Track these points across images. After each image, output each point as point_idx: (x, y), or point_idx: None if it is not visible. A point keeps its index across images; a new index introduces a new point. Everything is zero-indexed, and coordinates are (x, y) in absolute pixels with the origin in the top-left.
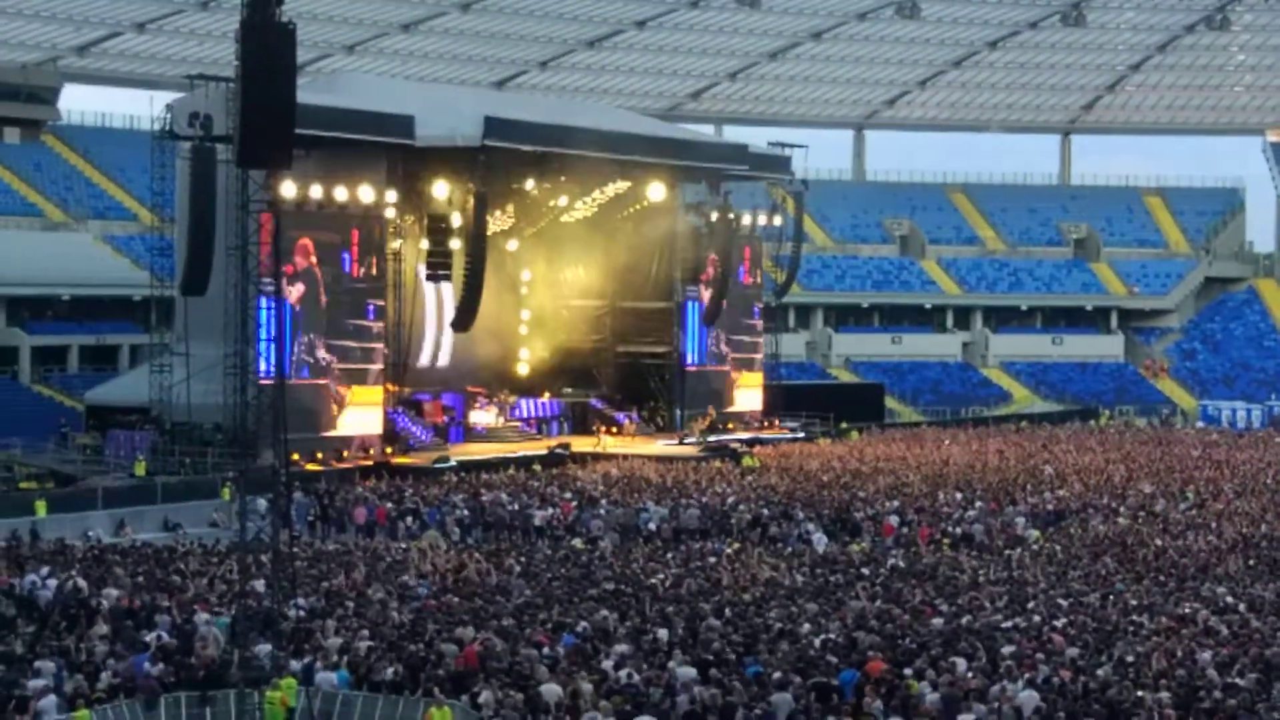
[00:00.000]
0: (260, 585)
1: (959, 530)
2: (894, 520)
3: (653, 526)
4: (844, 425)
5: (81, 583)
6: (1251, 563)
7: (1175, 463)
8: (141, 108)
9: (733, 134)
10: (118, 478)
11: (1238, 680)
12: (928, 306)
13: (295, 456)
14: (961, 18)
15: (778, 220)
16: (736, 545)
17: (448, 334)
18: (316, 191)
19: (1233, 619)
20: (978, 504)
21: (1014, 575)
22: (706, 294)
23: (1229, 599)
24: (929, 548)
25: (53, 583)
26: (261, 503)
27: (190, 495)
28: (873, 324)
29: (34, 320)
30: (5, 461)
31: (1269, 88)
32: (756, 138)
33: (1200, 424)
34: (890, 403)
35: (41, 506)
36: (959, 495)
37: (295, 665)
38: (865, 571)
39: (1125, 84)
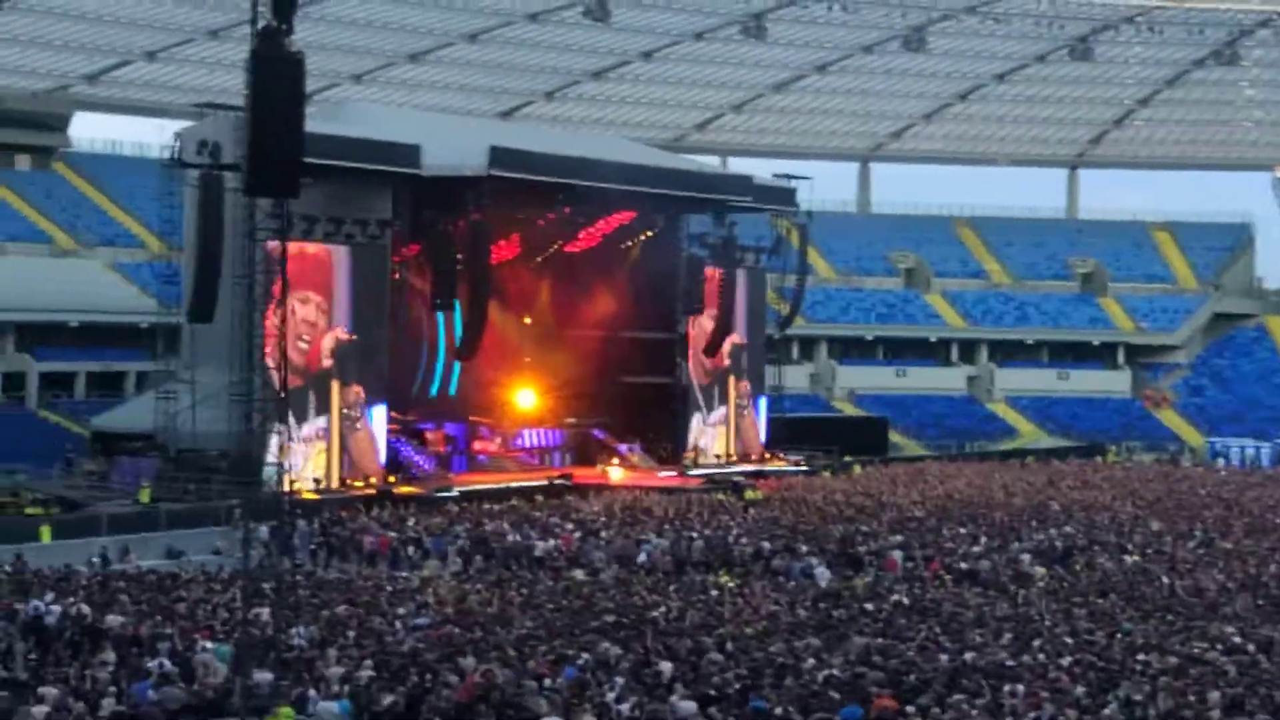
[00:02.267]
0: (264, 613)
1: (964, 566)
2: (898, 555)
3: (655, 559)
4: (848, 459)
5: (86, 609)
6: (1261, 602)
7: (1183, 500)
8: (151, 136)
9: (738, 165)
10: (123, 504)
11: None
12: (933, 340)
13: (297, 484)
14: (968, 51)
15: (782, 252)
16: (727, 580)
17: (452, 362)
18: (323, 219)
19: (1242, 659)
20: (983, 540)
21: (1020, 612)
22: (709, 325)
23: (1237, 639)
24: (934, 583)
25: (57, 608)
26: (265, 530)
27: (194, 522)
28: (877, 357)
29: (42, 346)
30: (11, 487)
31: (1279, 124)
32: (762, 169)
33: (1209, 461)
34: (895, 436)
35: (46, 532)
36: (964, 530)
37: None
38: (869, 607)
39: (1134, 118)
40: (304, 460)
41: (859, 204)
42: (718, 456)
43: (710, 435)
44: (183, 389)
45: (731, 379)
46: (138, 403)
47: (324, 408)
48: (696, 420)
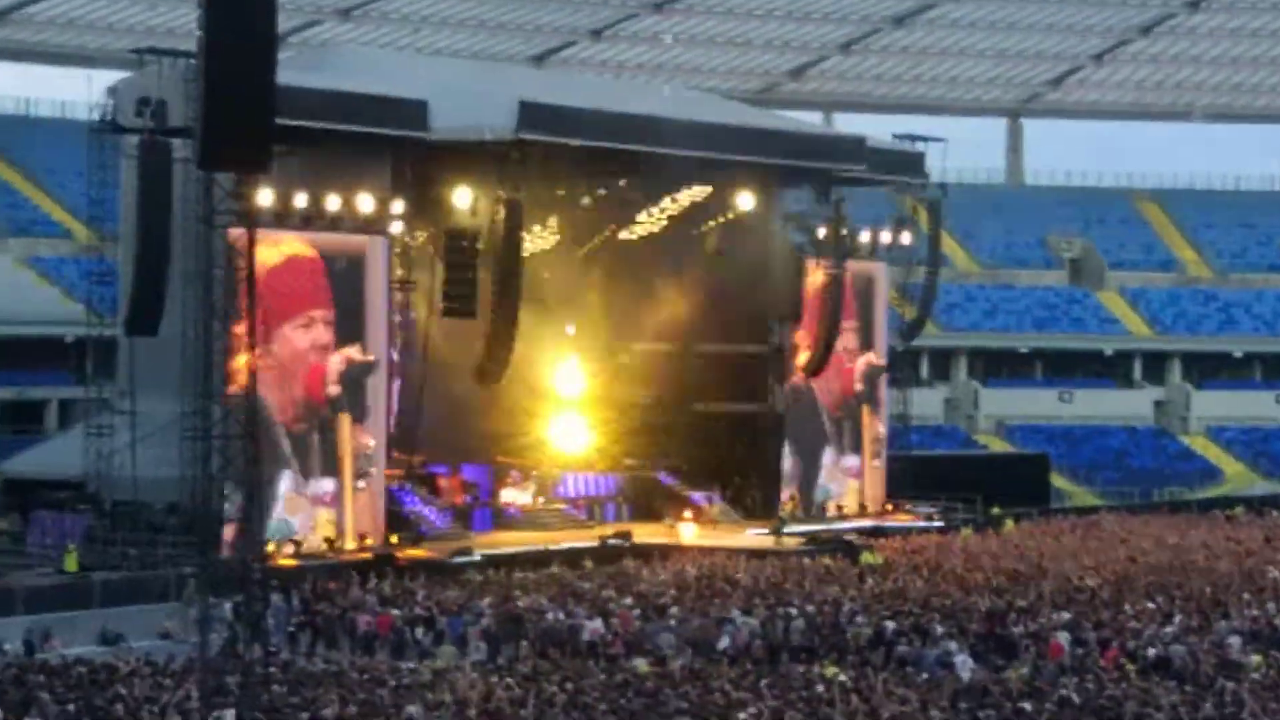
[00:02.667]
0: (228, 717)
1: (1152, 653)
2: (1064, 638)
3: (741, 643)
4: (996, 511)
5: None
6: None
7: None
8: (75, 91)
9: (846, 123)
10: (42, 574)
11: None
12: (1108, 353)
13: (271, 547)
14: None
15: (906, 238)
16: (837, 672)
17: (470, 388)
18: (302, 200)
19: None
20: (1177, 618)
21: (1227, 715)
22: (811, 335)
23: None
24: (1112, 675)
25: None
26: (227, 608)
27: (136, 597)
28: (1034, 376)
29: None
30: None
31: None
32: (878, 129)
33: None
34: (1058, 480)
35: None
36: (1151, 605)
37: None
38: (1026, 707)
39: None
40: (311, 522)
41: (1008, 174)
42: (825, 508)
43: (839, 481)
44: (120, 423)
45: (866, 409)
46: (61, 441)
47: (330, 458)
48: (828, 456)
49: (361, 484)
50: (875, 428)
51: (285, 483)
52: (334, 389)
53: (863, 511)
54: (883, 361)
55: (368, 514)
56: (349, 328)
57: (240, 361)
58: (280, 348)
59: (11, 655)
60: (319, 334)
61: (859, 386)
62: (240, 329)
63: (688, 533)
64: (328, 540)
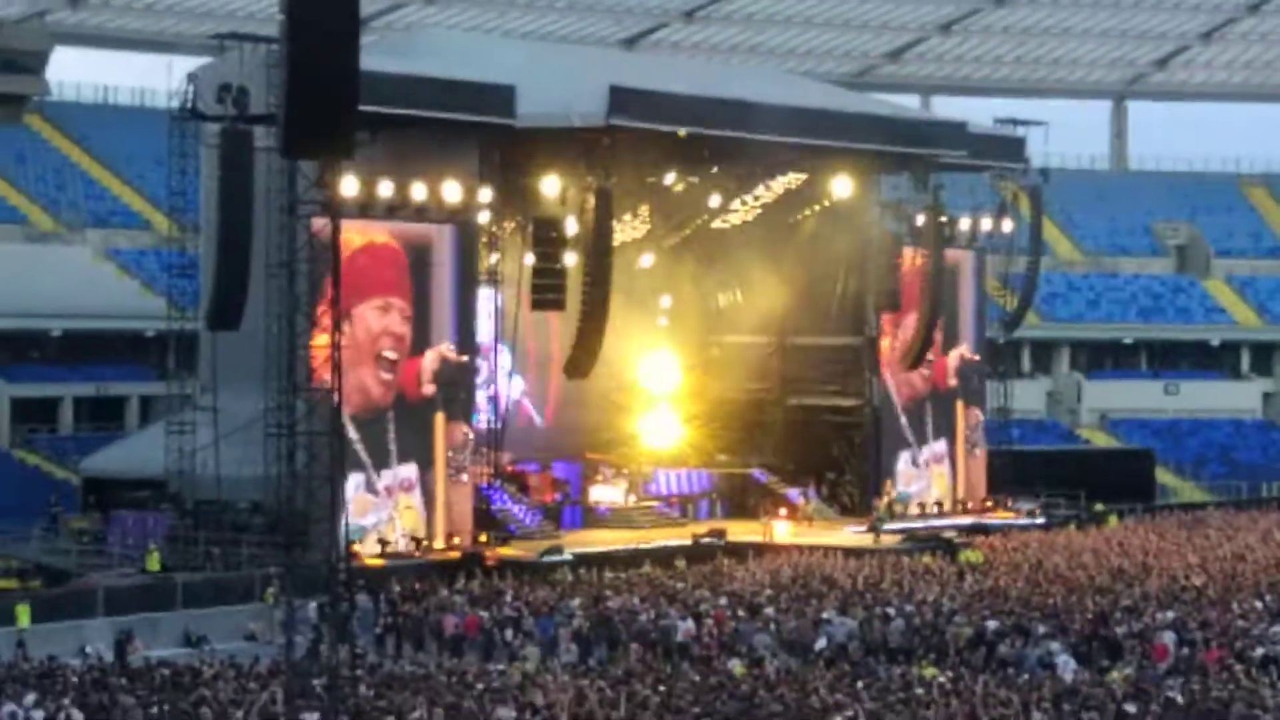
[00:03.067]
0: None
1: (1260, 652)
2: (1169, 638)
3: (838, 644)
4: (1100, 507)
5: (77, 715)
6: None
7: None
8: (155, 78)
9: (945, 107)
10: (124, 574)
11: None
12: (1215, 343)
13: (357, 547)
14: None
15: (1007, 225)
16: (936, 673)
17: (560, 381)
18: (387, 189)
19: None
20: None
21: None
22: (910, 326)
23: None
24: (1219, 676)
25: (40, 715)
26: (313, 609)
27: (219, 599)
28: (1138, 367)
29: (16, 364)
30: None
31: None
32: (978, 113)
33: None
34: (1163, 476)
35: (24, 613)
36: (1260, 604)
37: None
38: (1130, 709)
39: None
40: (388, 519)
41: (1113, 158)
42: (922, 506)
43: (923, 480)
44: (202, 419)
45: (960, 404)
46: (142, 438)
47: (412, 451)
48: (904, 459)
49: (458, 478)
50: (970, 422)
51: (352, 483)
52: (429, 388)
53: (958, 508)
54: (973, 354)
55: (457, 513)
56: (435, 323)
57: (320, 349)
58: (354, 327)
59: (95, 658)
60: (394, 321)
61: (952, 381)
62: (323, 318)
63: (781, 531)
64: (415, 540)
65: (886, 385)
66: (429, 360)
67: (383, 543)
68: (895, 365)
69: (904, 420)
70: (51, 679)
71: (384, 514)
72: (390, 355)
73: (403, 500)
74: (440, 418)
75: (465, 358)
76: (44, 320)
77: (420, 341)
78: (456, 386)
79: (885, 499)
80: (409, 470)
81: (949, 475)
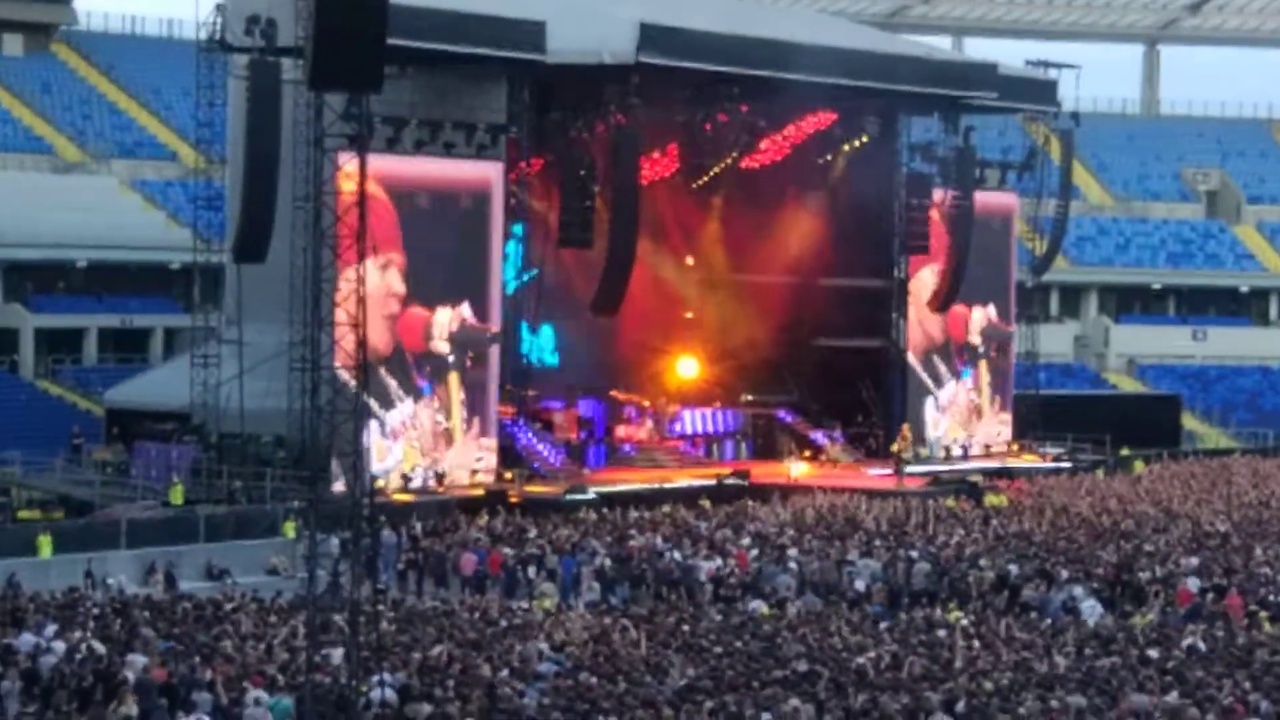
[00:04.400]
0: (335, 655)
1: None
2: (1193, 584)
3: (861, 586)
4: (1125, 452)
5: (99, 647)
6: None
7: None
8: (183, 8)
9: (976, 49)
10: (147, 507)
11: None
12: (1244, 290)
13: (381, 483)
14: None
15: (1037, 168)
16: (959, 616)
17: (586, 319)
18: (415, 124)
19: None
20: None
21: None
22: (937, 268)
23: None
24: (1242, 623)
25: (61, 645)
26: (335, 543)
27: (242, 532)
28: (1167, 313)
29: (39, 294)
30: (0, 482)
31: None
32: (1009, 54)
33: None
34: (1190, 422)
35: (46, 544)
36: None
37: None
38: (1153, 654)
39: None
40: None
41: (1144, 103)
42: (947, 448)
43: (942, 422)
44: (227, 352)
45: (983, 362)
46: (166, 371)
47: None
48: (930, 404)
49: (470, 426)
50: (989, 361)
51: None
52: (442, 345)
53: (987, 452)
54: (1008, 327)
55: (477, 451)
56: (450, 265)
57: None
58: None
59: (116, 590)
60: (393, 279)
61: (974, 339)
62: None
63: (796, 470)
64: (438, 476)
65: (913, 328)
66: (444, 318)
67: (405, 478)
68: (921, 308)
69: (933, 362)
70: (73, 610)
71: (398, 455)
72: (391, 311)
73: (405, 437)
74: (455, 376)
75: (495, 328)
76: (69, 251)
77: (426, 290)
78: (472, 347)
79: (901, 441)
80: (410, 409)
81: (970, 420)
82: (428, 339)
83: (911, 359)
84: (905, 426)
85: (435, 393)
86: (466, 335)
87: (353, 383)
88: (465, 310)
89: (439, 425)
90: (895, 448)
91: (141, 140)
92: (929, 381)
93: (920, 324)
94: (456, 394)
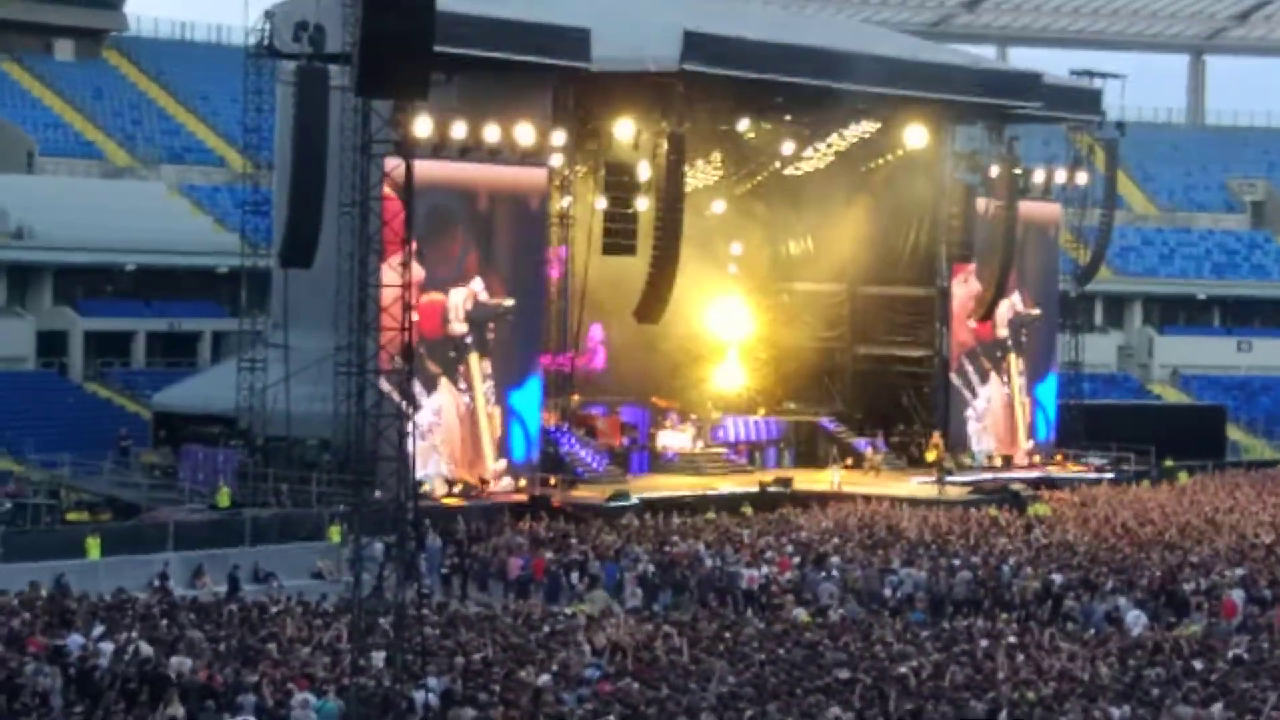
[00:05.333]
0: (378, 659)
1: None
2: (1238, 596)
3: (903, 594)
4: (1169, 463)
5: (146, 648)
6: None
7: None
8: (232, 15)
9: (1021, 58)
10: (194, 510)
11: None
12: None
13: (426, 487)
14: None
15: (1082, 178)
16: (1010, 621)
17: (630, 326)
18: (460, 130)
19: None
20: None
21: None
22: (981, 278)
23: None
24: None
25: (108, 646)
26: (379, 548)
27: (287, 536)
28: (1212, 323)
29: (88, 298)
30: (49, 484)
31: None
32: (1054, 64)
33: None
34: (1235, 433)
35: (94, 546)
36: None
37: None
38: (1197, 665)
39: None
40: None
41: (1190, 113)
42: (989, 458)
43: (984, 435)
44: (273, 356)
45: (1011, 355)
46: (213, 374)
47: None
48: (972, 412)
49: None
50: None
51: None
52: (459, 326)
53: (1027, 461)
54: (1032, 309)
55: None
56: (495, 263)
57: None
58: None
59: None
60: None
61: (1002, 332)
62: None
63: (836, 479)
64: (482, 481)
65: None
66: (458, 298)
67: (449, 483)
68: (962, 317)
69: (967, 369)
70: (120, 612)
71: (436, 456)
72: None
73: (434, 439)
74: (474, 357)
75: (509, 302)
76: (118, 255)
77: (438, 279)
78: (488, 325)
79: (935, 450)
80: (439, 402)
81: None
82: (445, 323)
83: (954, 375)
84: (936, 434)
85: (460, 374)
86: (481, 312)
87: (395, 393)
88: (477, 285)
89: (463, 406)
90: (930, 456)
91: (190, 145)
92: (966, 390)
93: (955, 332)
94: (478, 372)
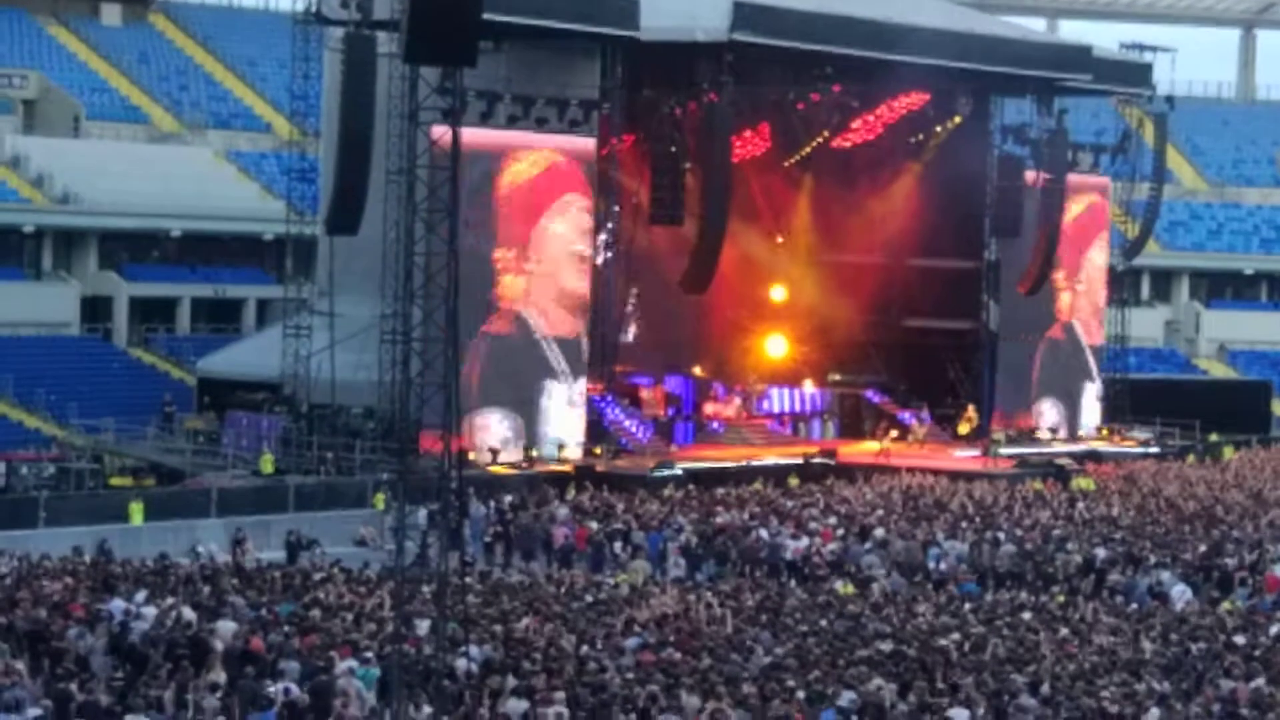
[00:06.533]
0: (421, 626)
1: None
2: None
3: (946, 567)
4: (1215, 438)
5: (188, 614)
6: None
7: None
8: None
9: (1071, 31)
10: (237, 476)
11: None
12: None
13: (472, 455)
14: None
15: (1131, 152)
16: (1060, 595)
17: (677, 296)
18: (508, 99)
19: None
20: None
21: None
22: (1028, 250)
23: None
24: None
25: (151, 611)
26: (423, 515)
27: (331, 503)
28: (1259, 298)
29: (134, 263)
30: (93, 449)
31: None
32: (1103, 37)
33: None
34: None
35: (137, 511)
36: None
37: None
38: (1239, 640)
39: None
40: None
41: (1239, 87)
42: (1034, 431)
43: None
44: (318, 323)
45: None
46: (258, 341)
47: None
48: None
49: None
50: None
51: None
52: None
53: (1074, 435)
54: (1075, 275)
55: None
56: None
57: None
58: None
59: (207, 557)
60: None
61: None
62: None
63: (878, 449)
64: (525, 451)
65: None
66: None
67: (493, 451)
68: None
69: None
70: (163, 577)
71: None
72: None
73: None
74: None
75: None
76: (164, 220)
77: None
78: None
79: (968, 423)
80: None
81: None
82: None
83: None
84: (969, 407)
85: None
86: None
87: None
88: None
89: None
90: (962, 429)
91: (237, 111)
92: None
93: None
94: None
